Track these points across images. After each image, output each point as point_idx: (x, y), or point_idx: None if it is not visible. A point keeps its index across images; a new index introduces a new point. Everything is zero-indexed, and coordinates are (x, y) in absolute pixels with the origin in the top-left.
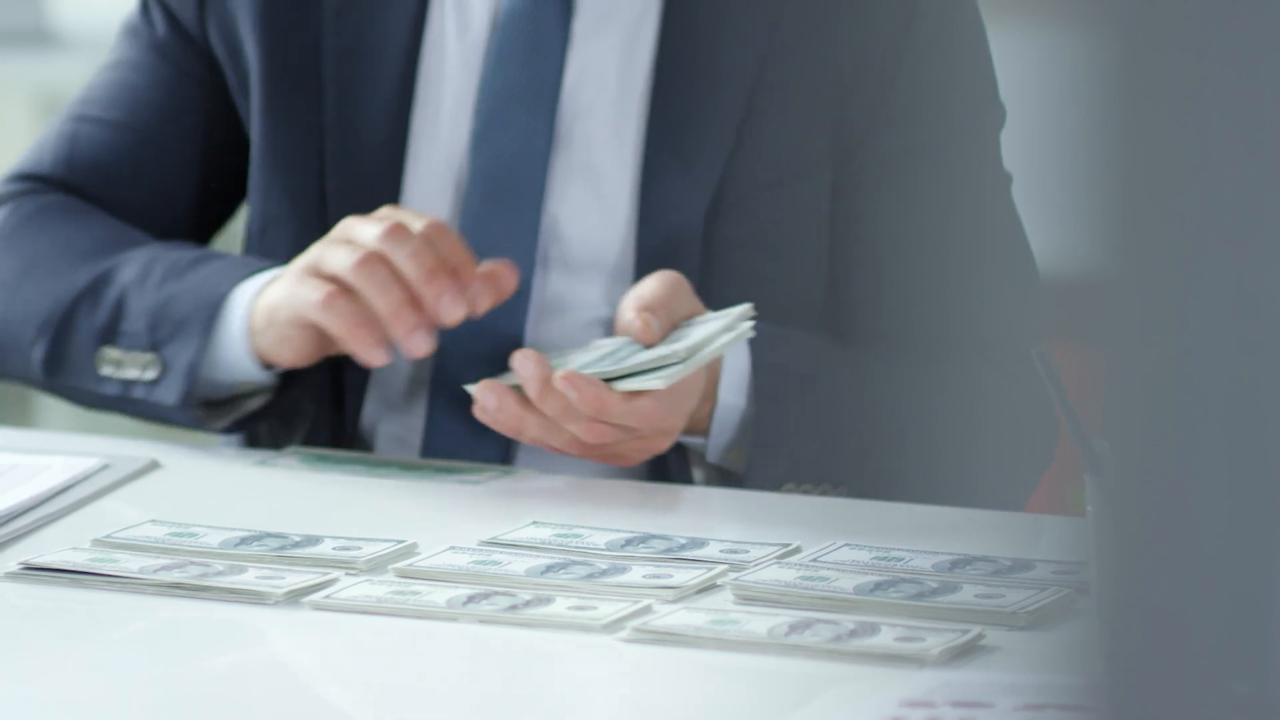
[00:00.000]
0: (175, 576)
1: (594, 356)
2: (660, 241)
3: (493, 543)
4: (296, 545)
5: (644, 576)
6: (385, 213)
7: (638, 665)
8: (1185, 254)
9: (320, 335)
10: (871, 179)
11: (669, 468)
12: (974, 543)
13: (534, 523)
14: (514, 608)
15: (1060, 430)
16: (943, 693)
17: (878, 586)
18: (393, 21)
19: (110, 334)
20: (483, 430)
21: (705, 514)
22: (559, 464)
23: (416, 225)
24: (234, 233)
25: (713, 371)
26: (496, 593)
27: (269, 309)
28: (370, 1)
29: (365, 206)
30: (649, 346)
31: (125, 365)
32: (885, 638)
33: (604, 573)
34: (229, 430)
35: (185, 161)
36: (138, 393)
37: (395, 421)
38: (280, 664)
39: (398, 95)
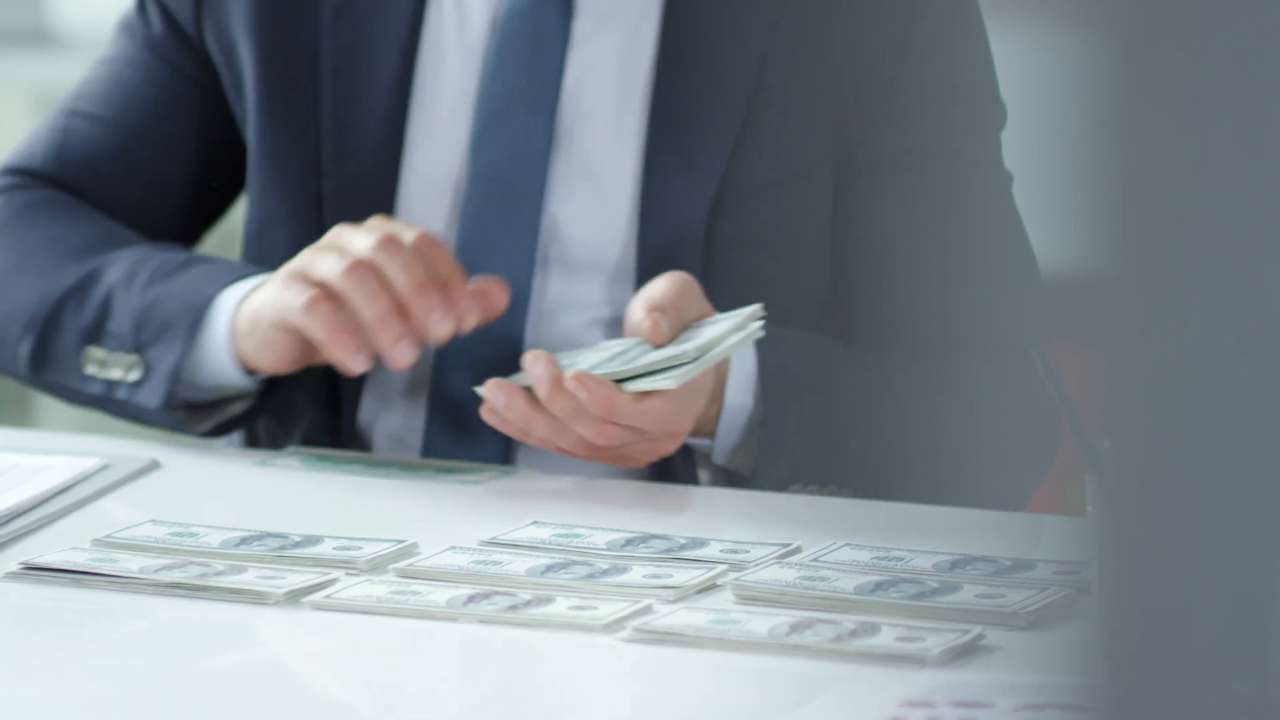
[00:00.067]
0: (175, 576)
1: (603, 357)
2: (661, 242)
3: (493, 543)
4: (297, 545)
5: (644, 576)
6: (376, 223)
7: (638, 665)
8: (1185, 254)
9: (302, 342)
10: (872, 179)
11: (675, 469)
12: (974, 543)
13: (534, 523)
14: (514, 608)
15: (1062, 430)
16: (943, 693)
17: (878, 586)
18: (390, 22)
19: (95, 333)
20: (482, 430)
21: (705, 514)
22: (559, 464)
23: (408, 236)
24: (233, 231)
25: (720, 373)
26: (497, 593)
27: (253, 313)
28: (368, 2)
29: (362, 207)
30: (658, 347)
31: (109, 365)
32: (886, 638)
33: (604, 573)
34: (211, 434)
35: (177, 160)
36: (120, 394)
37: (395, 421)
38: (280, 664)
39: (394, 96)
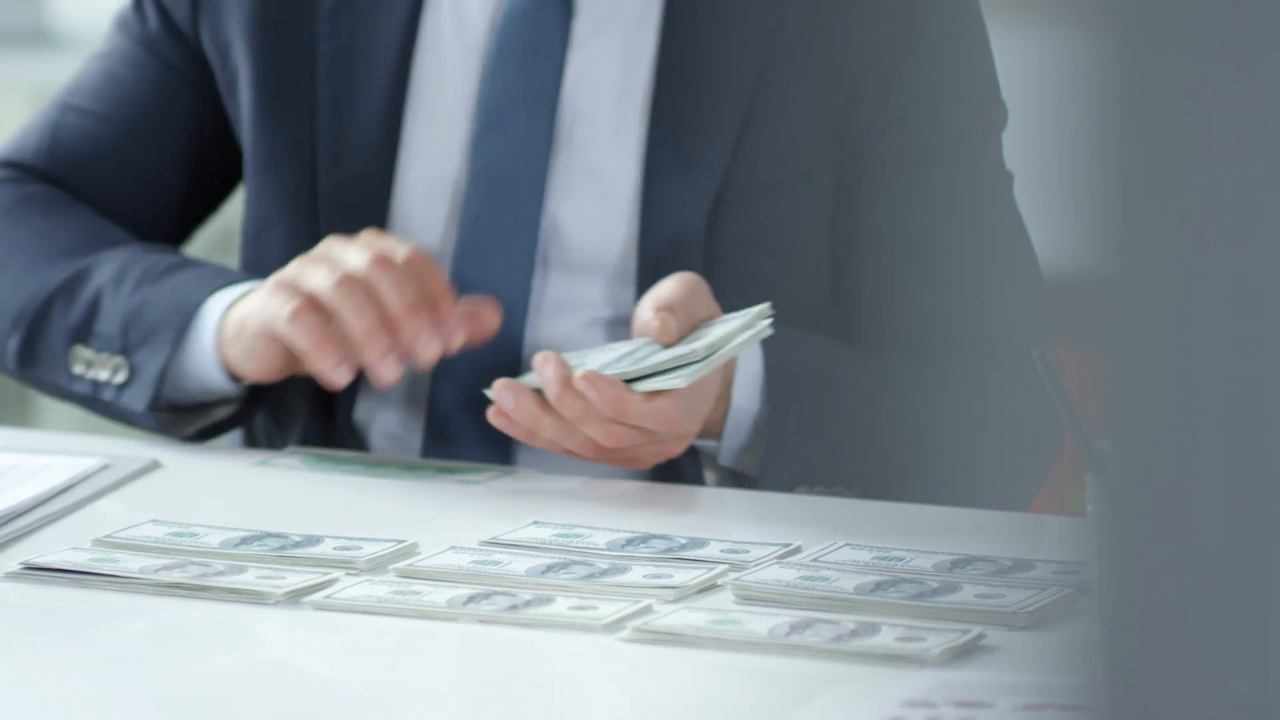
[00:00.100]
0: (176, 576)
1: (612, 357)
2: (662, 242)
3: (493, 543)
4: (297, 545)
5: (644, 576)
6: (370, 237)
7: (638, 665)
8: (1185, 254)
9: (287, 351)
10: (873, 179)
11: (681, 470)
12: (974, 543)
13: (534, 523)
14: (514, 608)
15: (1064, 428)
16: (943, 693)
17: (878, 586)
18: (387, 22)
19: (83, 333)
20: (482, 430)
21: (706, 514)
22: (560, 464)
23: (400, 253)
24: (232, 232)
25: (726, 375)
26: (497, 593)
27: (240, 320)
28: (365, 2)
29: (357, 208)
30: (667, 347)
31: (96, 366)
32: (886, 638)
33: (604, 573)
34: (196, 438)
35: (168, 159)
36: (106, 395)
37: (393, 421)
38: (280, 664)
39: (390, 96)
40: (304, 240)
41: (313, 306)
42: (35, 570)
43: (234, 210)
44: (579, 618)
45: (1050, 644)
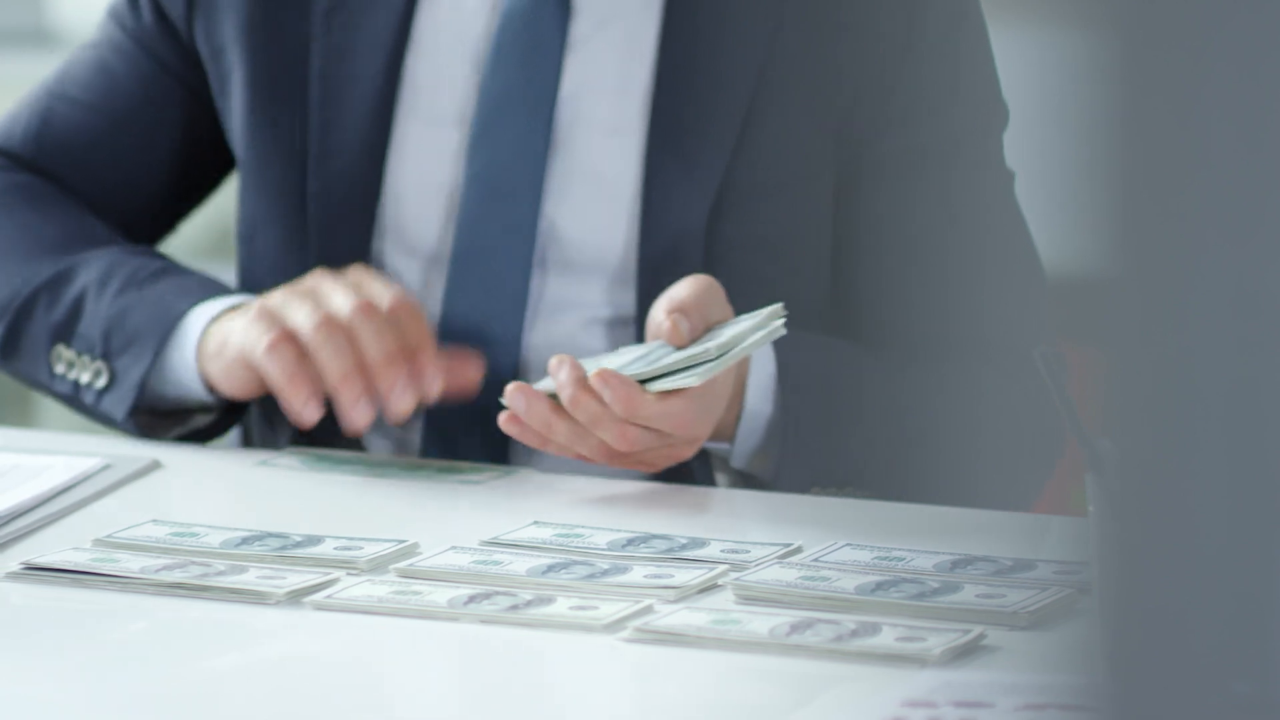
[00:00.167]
0: (176, 576)
1: (626, 360)
2: (662, 244)
3: (494, 543)
4: (298, 545)
5: (645, 576)
6: (358, 276)
7: (639, 665)
8: (1185, 254)
9: (262, 378)
10: (874, 180)
11: (693, 473)
12: (975, 543)
13: (535, 523)
14: (515, 608)
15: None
16: (944, 693)
17: (879, 586)
18: (379, 23)
19: (65, 332)
20: (480, 431)
21: (706, 514)
22: (559, 464)
23: (385, 300)
24: (230, 231)
25: (739, 378)
26: (498, 593)
27: (221, 339)
28: (359, 3)
29: (345, 208)
30: (680, 348)
31: (77, 368)
32: (887, 638)
33: (605, 573)
34: (178, 441)
35: (155, 154)
36: (87, 398)
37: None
38: (281, 664)
39: (379, 96)
40: (293, 242)
41: (290, 340)
42: (36, 570)
43: (233, 210)
44: (580, 618)
45: (1051, 644)
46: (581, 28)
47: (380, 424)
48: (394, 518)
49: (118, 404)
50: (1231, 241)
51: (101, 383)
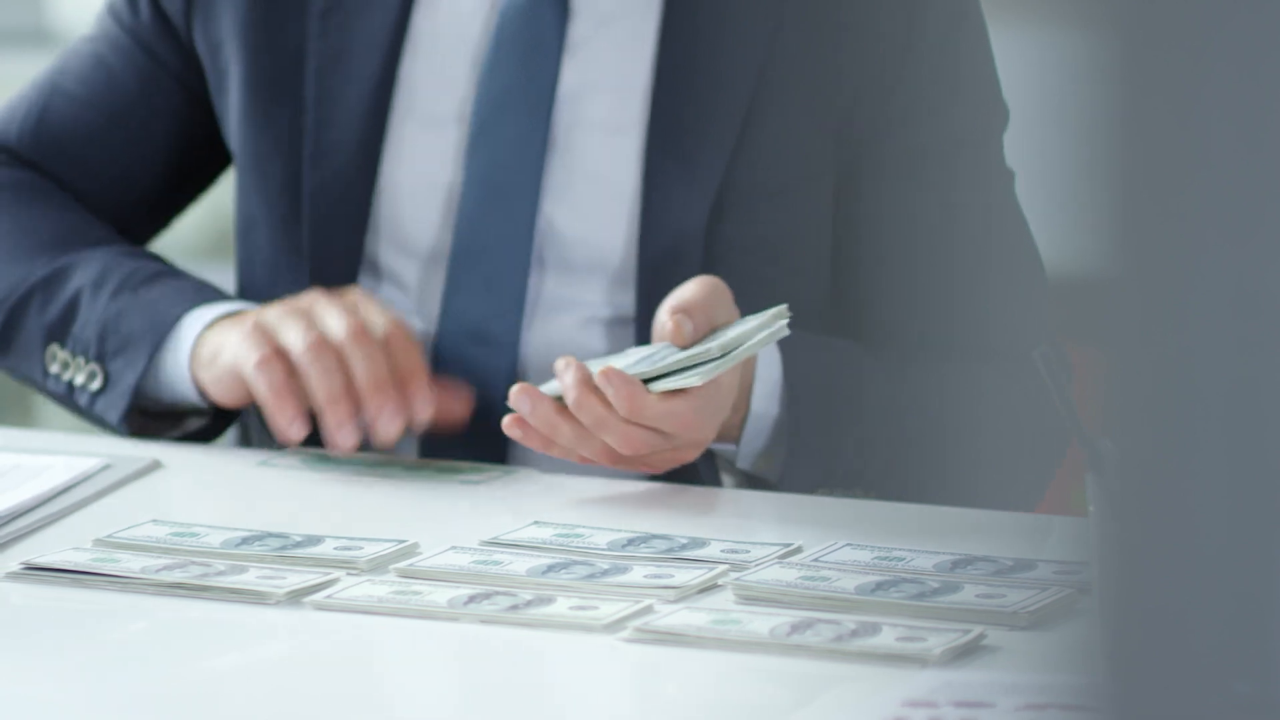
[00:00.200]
0: (177, 576)
1: (631, 360)
2: (662, 245)
3: (494, 543)
4: (298, 545)
5: (645, 576)
6: (355, 298)
7: (639, 665)
8: (1185, 254)
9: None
10: (875, 180)
11: (698, 474)
12: (975, 543)
13: (535, 522)
14: (515, 608)
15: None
16: (945, 693)
17: (879, 586)
18: (375, 23)
19: (60, 332)
20: (478, 432)
21: (706, 514)
22: (560, 464)
23: (380, 326)
24: (227, 230)
25: (744, 380)
26: (498, 593)
27: (214, 349)
28: (356, 3)
29: (339, 207)
30: (685, 349)
31: (72, 369)
32: (887, 638)
33: (605, 573)
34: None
35: (150, 151)
36: (81, 399)
37: None
38: (282, 664)
39: (374, 96)
40: (287, 240)
41: (280, 357)
42: (36, 570)
43: (231, 211)
44: (580, 618)
45: (1051, 644)
46: (580, 28)
47: None
48: (394, 518)
49: (112, 407)
50: (1231, 241)
51: (96, 385)
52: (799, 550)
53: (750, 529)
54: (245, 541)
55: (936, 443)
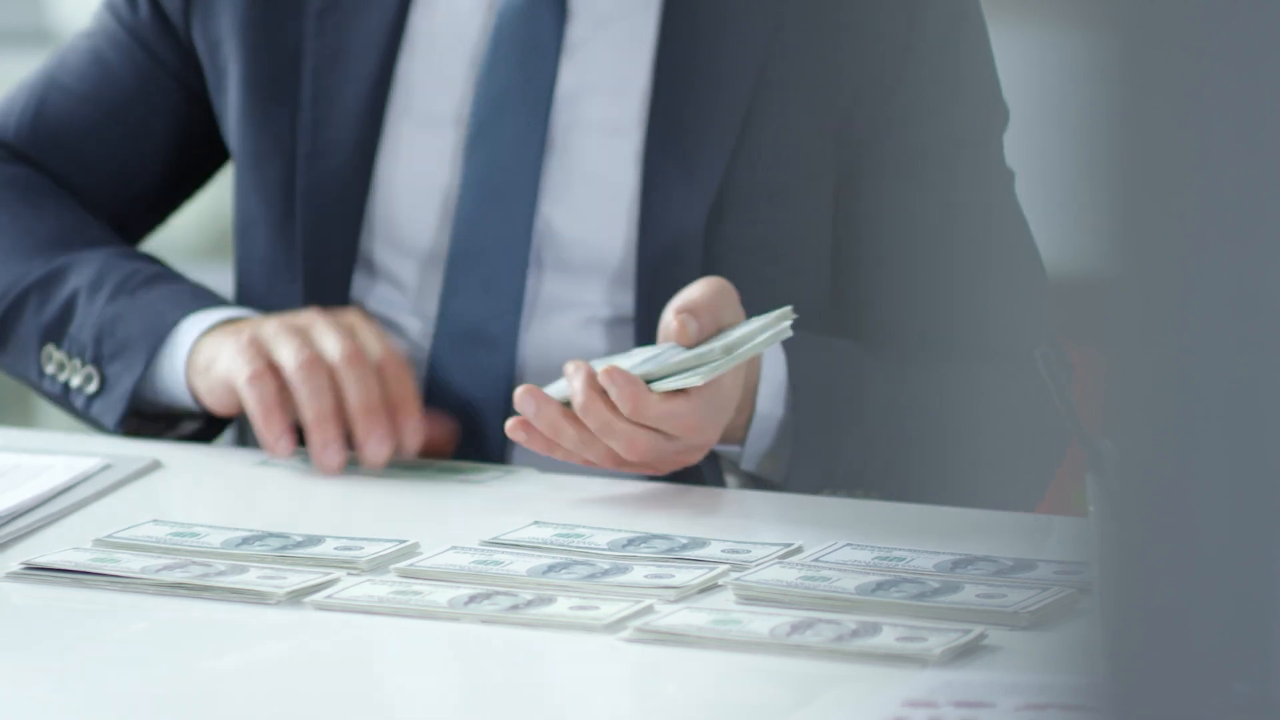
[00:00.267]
0: (177, 576)
1: (636, 361)
2: (661, 245)
3: (494, 543)
4: (298, 545)
5: (646, 576)
6: (352, 320)
7: (639, 665)
8: (1185, 254)
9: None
10: (875, 180)
11: (702, 475)
12: (975, 543)
13: (535, 522)
14: (516, 608)
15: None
16: (945, 693)
17: (879, 586)
18: (372, 23)
19: (56, 333)
20: (476, 431)
21: (707, 514)
22: (560, 464)
23: (375, 351)
24: (227, 230)
25: (749, 382)
26: (498, 593)
27: (209, 358)
28: (352, 3)
29: (334, 207)
30: (689, 349)
31: (68, 371)
32: (887, 638)
33: (606, 573)
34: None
35: (147, 148)
36: (77, 401)
37: None
38: (282, 664)
39: (370, 96)
40: (282, 240)
41: (272, 373)
42: (37, 570)
43: (229, 211)
44: (580, 618)
45: (1052, 644)
46: (579, 29)
47: None
48: (394, 518)
49: (108, 411)
50: (1231, 241)
51: (92, 388)
52: (799, 550)
53: (751, 529)
54: (246, 541)
55: (937, 443)
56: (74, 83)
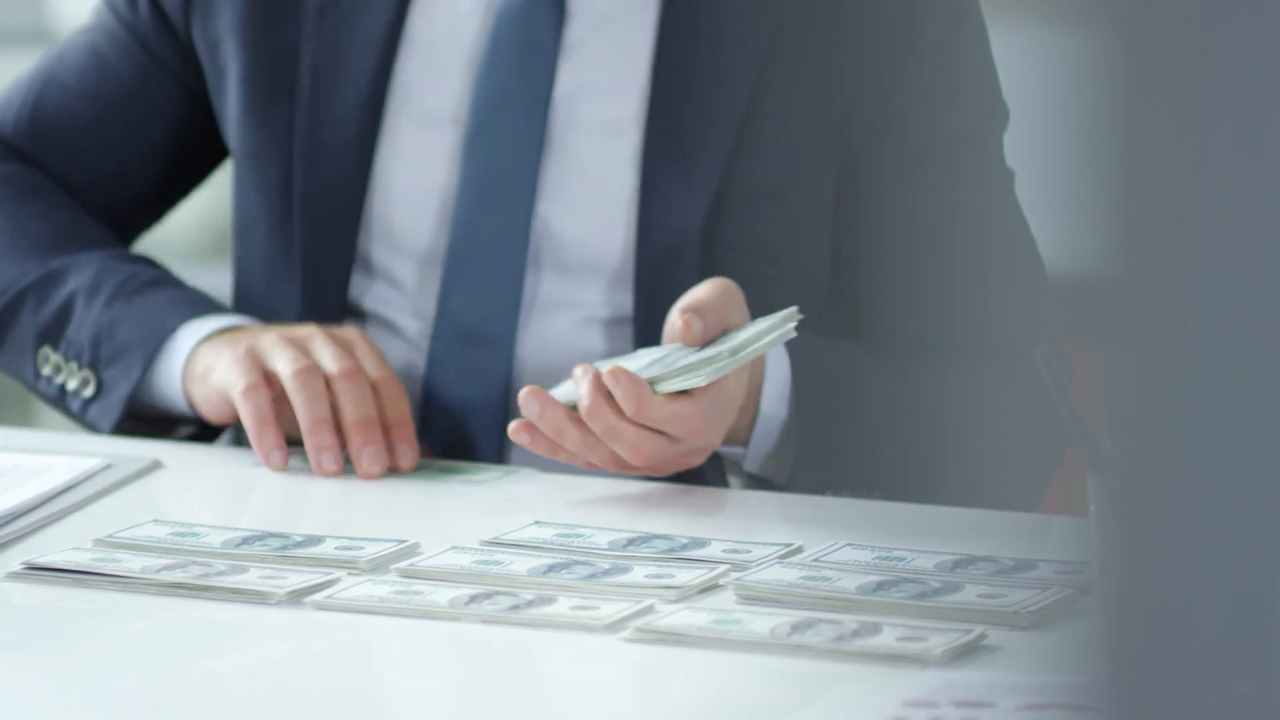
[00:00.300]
0: (177, 576)
1: (643, 363)
2: (660, 245)
3: (495, 542)
4: (298, 545)
5: (646, 576)
6: (349, 338)
7: (640, 665)
8: (1185, 254)
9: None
10: (875, 181)
11: (705, 476)
12: (976, 543)
13: (536, 522)
14: (516, 607)
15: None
16: (945, 692)
17: (880, 586)
18: (371, 22)
19: (53, 335)
20: (474, 432)
21: (707, 514)
22: (560, 464)
23: (372, 371)
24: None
25: (753, 384)
26: (499, 592)
27: (206, 366)
28: (350, 3)
29: (332, 207)
30: (695, 349)
31: (64, 373)
32: (888, 637)
33: (606, 572)
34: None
35: (146, 144)
36: (73, 404)
37: None
38: (282, 664)
39: (368, 97)
40: (280, 240)
41: (269, 384)
42: (37, 570)
43: (229, 212)
44: (581, 618)
45: (1052, 644)
46: (577, 30)
47: None
48: (394, 518)
49: (104, 415)
50: (1231, 241)
51: (89, 392)
52: (800, 550)
53: (751, 529)
54: (246, 541)
55: (937, 443)
56: (72, 79)
